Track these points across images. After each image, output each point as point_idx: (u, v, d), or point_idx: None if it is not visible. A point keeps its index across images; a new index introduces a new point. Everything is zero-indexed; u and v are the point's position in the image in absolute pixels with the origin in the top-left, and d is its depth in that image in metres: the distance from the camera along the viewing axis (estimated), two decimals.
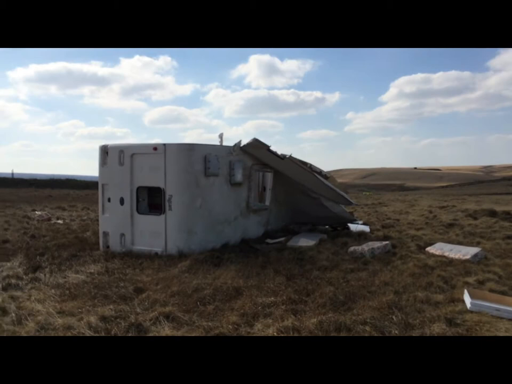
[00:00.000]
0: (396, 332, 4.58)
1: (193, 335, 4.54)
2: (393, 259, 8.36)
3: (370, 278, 6.88)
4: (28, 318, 5.12)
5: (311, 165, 11.62)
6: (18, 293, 6.19)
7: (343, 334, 4.54)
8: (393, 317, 4.94)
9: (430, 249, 9.11)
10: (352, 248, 8.97)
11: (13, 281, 6.76)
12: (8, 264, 7.95)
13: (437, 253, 8.75)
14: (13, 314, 5.21)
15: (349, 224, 12.40)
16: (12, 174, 52.03)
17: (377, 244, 9.08)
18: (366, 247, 8.86)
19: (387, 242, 9.36)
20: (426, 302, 5.60)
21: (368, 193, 45.90)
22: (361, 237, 10.66)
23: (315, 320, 4.84)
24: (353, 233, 11.34)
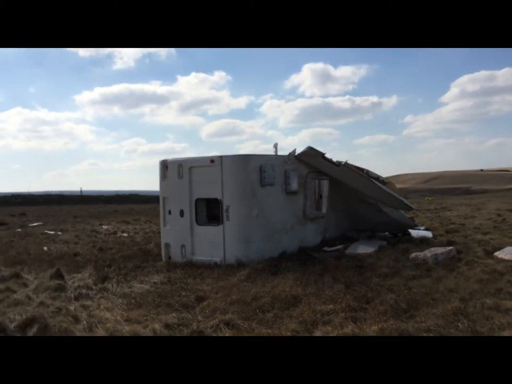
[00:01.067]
0: None
1: None
2: (459, 265, 7.98)
3: (434, 285, 6.62)
4: (98, 325, 5.42)
5: (367, 170, 11.42)
6: (88, 302, 6.57)
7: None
8: (459, 324, 4.73)
9: (499, 254, 8.60)
10: (413, 255, 8.67)
11: (84, 291, 7.17)
12: (79, 275, 8.44)
13: (507, 257, 8.25)
14: (84, 322, 5.53)
15: (410, 230, 11.98)
16: (81, 191, 55.35)
17: (440, 250, 8.72)
18: (428, 253, 8.53)
19: (451, 247, 8.96)
20: (495, 308, 5.31)
21: (430, 198, 44.10)
22: (423, 243, 10.27)
23: (376, 327, 4.74)
24: (414, 239, 10.95)
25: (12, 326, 5.28)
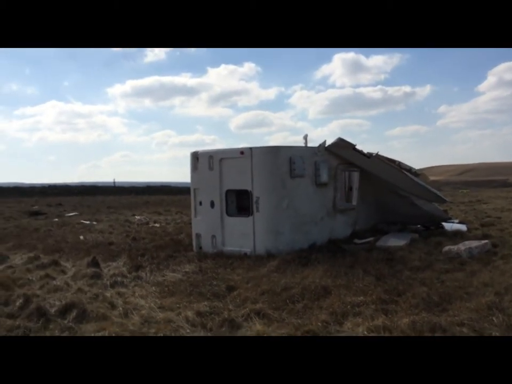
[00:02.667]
0: (497, 333, 4.31)
1: (283, 331, 4.66)
2: (494, 259, 7.80)
3: (468, 279, 6.50)
4: (133, 312, 5.62)
5: (399, 162, 11.24)
6: (123, 290, 6.79)
7: (437, 335, 4.37)
8: (494, 319, 4.64)
9: None
10: (447, 248, 8.51)
11: (119, 279, 7.41)
12: (114, 263, 8.71)
13: None
14: (120, 309, 5.74)
15: (443, 223, 11.74)
16: (114, 182, 56.63)
17: (475, 243, 8.52)
18: (462, 246, 8.35)
19: (486, 241, 8.74)
20: None
21: (465, 190, 42.88)
22: (457, 236, 10.06)
23: (407, 320, 4.71)
24: (448, 233, 10.73)
25: (52, 310, 5.54)
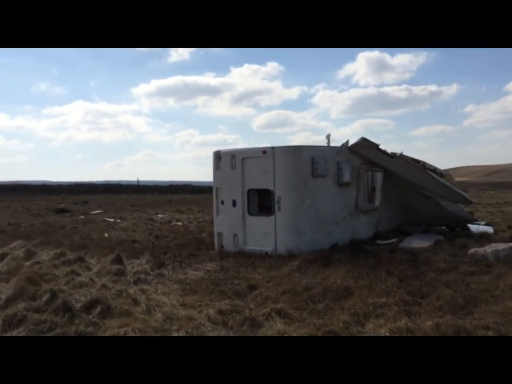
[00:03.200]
0: None
1: (304, 331, 4.65)
2: None
3: (494, 282, 6.35)
4: (156, 308, 5.70)
5: (424, 162, 11.05)
6: (146, 287, 6.89)
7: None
8: None
9: None
10: (472, 250, 8.33)
11: (142, 276, 7.51)
12: (137, 261, 8.84)
13: None
14: (143, 305, 5.82)
15: (469, 225, 11.50)
16: (138, 181, 57.48)
17: (502, 246, 8.30)
18: (489, 248, 8.16)
19: None
20: None
21: (492, 192, 41.84)
22: (483, 238, 9.83)
23: (431, 322, 4.64)
24: (473, 234, 10.51)
25: (77, 306, 5.67)
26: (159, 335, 4.72)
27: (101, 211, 23.17)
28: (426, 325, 4.58)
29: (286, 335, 4.54)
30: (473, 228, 11.30)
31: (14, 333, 4.83)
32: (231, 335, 4.73)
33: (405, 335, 4.41)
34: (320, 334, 4.58)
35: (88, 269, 8.22)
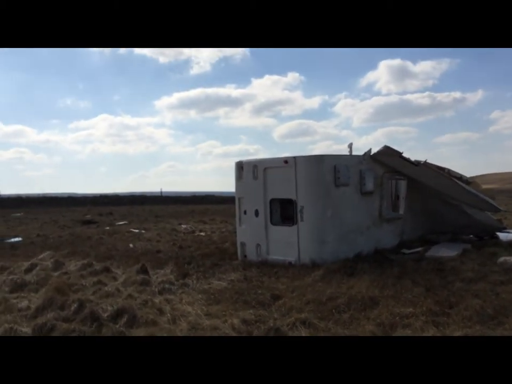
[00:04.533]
0: None
1: None
2: None
3: None
4: (181, 318, 5.74)
5: (449, 170, 10.89)
6: (171, 297, 6.95)
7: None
8: None
9: None
10: (502, 259, 8.13)
11: (167, 286, 7.59)
12: (162, 271, 8.94)
13: None
14: (168, 315, 5.87)
15: (497, 233, 11.21)
16: (161, 192, 58.19)
17: None
18: None
19: None
20: None
21: None
22: None
23: (460, 333, 4.54)
24: (503, 243, 10.23)
25: (104, 315, 5.76)
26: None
27: (125, 222, 23.53)
28: (455, 336, 4.48)
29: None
30: (502, 236, 11.01)
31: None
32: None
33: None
34: None
35: (114, 279, 8.35)
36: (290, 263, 9.09)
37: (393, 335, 4.80)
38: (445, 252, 9.43)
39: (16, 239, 16.14)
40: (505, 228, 11.89)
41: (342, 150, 10.35)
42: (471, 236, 11.47)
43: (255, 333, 5.06)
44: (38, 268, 9.19)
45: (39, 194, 54.46)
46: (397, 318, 5.24)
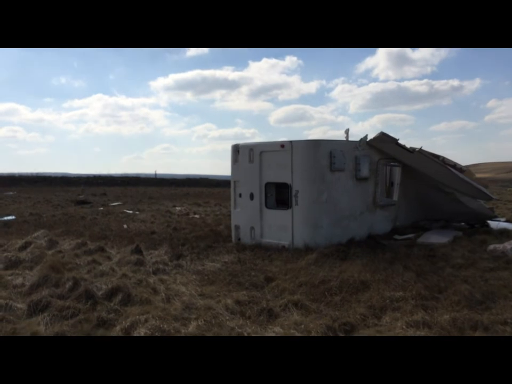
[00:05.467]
0: None
1: (320, 322, 4.70)
2: None
3: None
4: (175, 298, 5.82)
5: (443, 157, 10.94)
6: (165, 277, 7.03)
7: (479, 333, 4.29)
8: None
9: None
10: (492, 246, 8.25)
11: (161, 266, 7.67)
12: (156, 252, 8.99)
13: None
14: (163, 294, 5.95)
15: (489, 221, 11.35)
16: (155, 174, 57.99)
17: None
18: (508, 245, 8.07)
19: None
20: None
21: None
22: (503, 235, 9.70)
23: (448, 316, 4.66)
24: (493, 231, 10.37)
25: (99, 293, 5.83)
26: (179, 323, 4.82)
27: (119, 203, 23.50)
28: (443, 319, 4.60)
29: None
30: (493, 224, 11.15)
31: (39, 318, 5.00)
32: (248, 324, 4.80)
33: (421, 328, 4.43)
34: (336, 325, 4.63)
35: (109, 258, 8.40)
36: (284, 246, 9.17)
37: (383, 317, 4.91)
38: (437, 238, 9.55)
39: (10, 217, 16.11)
40: (496, 216, 12.05)
41: (338, 135, 10.39)
42: (463, 223, 11.60)
43: (248, 313, 5.15)
44: (32, 246, 9.21)
45: (32, 173, 54.04)
46: (387, 301, 5.35)
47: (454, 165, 10.96)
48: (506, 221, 11.91)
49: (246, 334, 4.45)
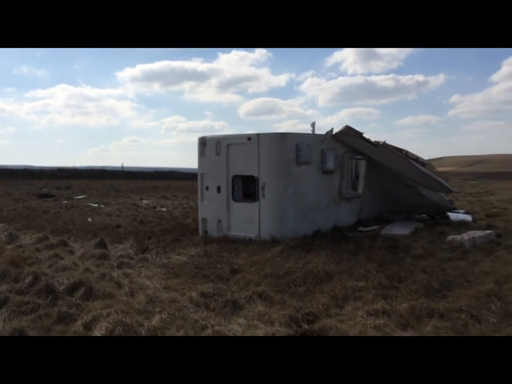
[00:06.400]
0: (494, 320, 4.39)
1: (284, 312, 4.76)
2: (497, 249, 7.84)
3: (469, 267, 6.57)
4: (139, 291, 5.76)
5: (406, 151, 11.23)
6: (130, 270, 6.93)
7: (435, 320, 4.46)
8: (492, 306, 4.72)
9: None
10: (450, 237, 8.56)
11: (125, 260, 7.55)
12: (121, 245, 8.85)
13: None
14: (127, 288, 5.87)
15: (449, 213, 11.76)
16: (122, 167, 56.86)
17: (479, 233, 8.55)
18: (466, 236, 8.40)
19: (490, 231, 8.76)
20: None
21: (474, 182, 42.45)
22: (461, 226, 10.07)
23: (406, 305, 4.81)
24: (452, 222, 10.75)
25: (60, 288, 5.71)
26: (142, 316, 4.78)
27: (84, 196, 22.97)
28: (401, 307, 4.75)
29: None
30: (452, 216, 11.56)
31: None
32: (213, 316, 4.81)
33: (381, 316, 4.56)
34: (299, 315, 4.70)
35: (71, 253, 8.21)
36: (250, 239, 9.21)
37: (345, 306, 5.03)
38: (399, 230, 9.82)
39: None
40: (456, 209, 12.49)
41: (307, 129, 10.45)
42: (424, 215, 11.96)
43: (213, 305, 5.16)
44: None
45: None
46: (349, 291, 5.47)
47: (417, 159, 11.27)
48: (465, 213, 12.36)
49: (209, 326, 4.45)
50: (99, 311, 4.79)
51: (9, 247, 8.48)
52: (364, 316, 4.61)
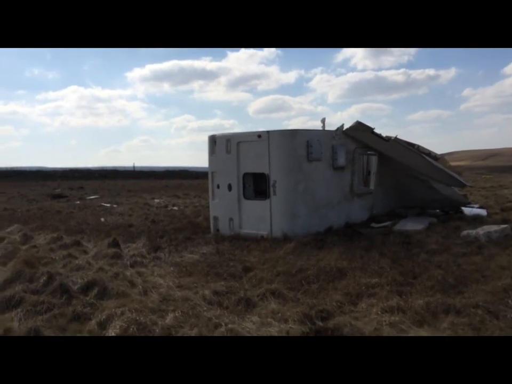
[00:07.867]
0: None
1: (297, 310, 4.74)
2: None
3: (485, 262, 6.45)
4: (152, 290, 5.78)
5: (418, 146, 11.12)
6: (143, 269, 6.96)
7: (451, 316, 4.39)
8: (509, 301, 4.63)
9: None
10: (465, 232, 8.44)
11: (138, 259, 7.58)
12: (134, 245, 8.89)
13: None
14: (140, 287, 5.90)
15: (463, 208, 11.60)
16: (134, 167, 57.29)
17: (494, 228, 8.42)
18: (481, 230, 8.27)
19: (506, 225, 8.62)
20: None
21: (488, 176, 41.88)
22: (476, 221, 9.93)
23: (422, 301, 4.75)
24: (467, 217, 10.61)
25: (74, 287, 5.74)
26: (156, 315, 4.79)
27: (97, 196, 23.17)
28: (417, 304, 4.69)
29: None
30: (466, 210, 11.41)
31: (12, 314, 4.90)
32: (226, 313, 4.80)
33: (396, 313, 4.51)
34: (313, 313, 4.67)
35: (85, 252, 8.28)
36: (262, 236, 9.19)
37: (359, 303, 4.98)
38: (412, 225, 9.72)
39: None
40: (470, 203, 12.32)
41: (317, 126, 10.39)
42: (438, 210, 11.83)
43: (226, 303, 5.15)
44: (5, 241, 9.01)
45: (6, 167, 52.78)
46: (363, 288, 5.42)
47: (429, 153, 11.15)
48: (480, 207, 12.19)
49: (223, 324, 4.44)
50: (113, 310, 4.82)
51: (24, 247, 8.59)
52: (379, 312, 4.56)
